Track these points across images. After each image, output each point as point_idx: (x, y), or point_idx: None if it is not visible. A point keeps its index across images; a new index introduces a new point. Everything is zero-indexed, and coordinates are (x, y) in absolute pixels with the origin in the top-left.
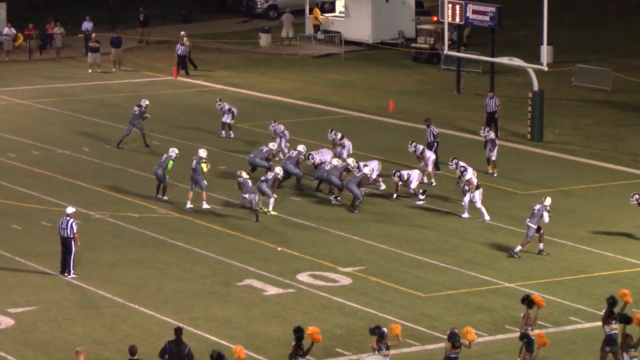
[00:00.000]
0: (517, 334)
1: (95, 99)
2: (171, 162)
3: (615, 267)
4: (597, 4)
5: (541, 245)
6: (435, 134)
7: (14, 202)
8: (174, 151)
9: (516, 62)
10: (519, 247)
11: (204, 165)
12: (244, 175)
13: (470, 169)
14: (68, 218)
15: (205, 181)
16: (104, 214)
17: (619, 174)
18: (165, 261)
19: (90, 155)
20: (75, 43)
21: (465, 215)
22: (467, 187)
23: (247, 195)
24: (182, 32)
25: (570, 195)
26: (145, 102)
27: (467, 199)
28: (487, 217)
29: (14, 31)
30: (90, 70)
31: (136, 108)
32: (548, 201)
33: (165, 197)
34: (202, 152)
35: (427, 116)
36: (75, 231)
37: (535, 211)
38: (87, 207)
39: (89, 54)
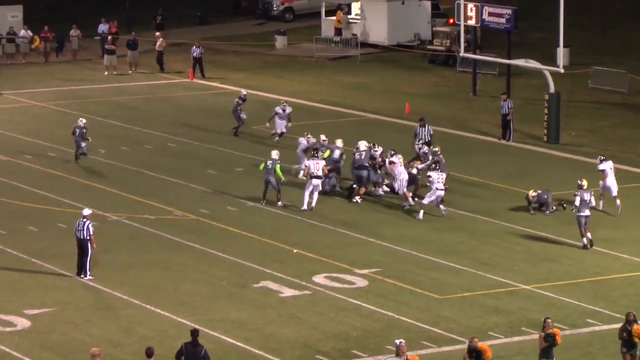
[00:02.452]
0: (534, 337)
1: (111, 101)
2: (278, 166)
3: (632, 269)
4: (613, 5)
5: (589, 235)
6: (431, 133)
7: (30, 204)
8: (277, 154)
9: (532, 64)
10: (589, 234)
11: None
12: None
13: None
14: (84, 220)
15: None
16: (120, 216)
17: (635, 176)
18: (181, 263)
19: (107, 157)
20: (92, 45)
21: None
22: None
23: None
24: (157, 33)
25: None
26: (243, 93)
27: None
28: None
29: (30, 33)
30: (106, 73)
31: (237, 99)
32: (585, 183)
33: (280, 203)
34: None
35: (443, 118)
36: (91, 233)
37: (588, 200)
38: (103, 209)
39: (105, 56)
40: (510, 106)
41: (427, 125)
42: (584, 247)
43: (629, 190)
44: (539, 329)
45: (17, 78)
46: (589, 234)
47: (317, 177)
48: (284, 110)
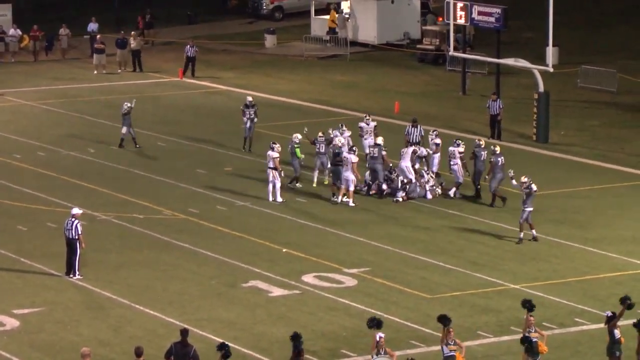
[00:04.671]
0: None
1: (100, 100)
2: (298, 149)
3: (621, 268)
4: (603, 5)
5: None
6: (422, 134)
7: (19, 203)
8: (297, 137)
9: (522, 63)
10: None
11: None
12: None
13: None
14: (73, 219)
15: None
16: (110, 215)
17: (624, 176)
18: (170, 262)
19: (96, 157)
20: (81, 44)
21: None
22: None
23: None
24: (133, 32)
25: (576, 196)
26: (249, 99)
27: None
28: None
29: (20, 32)
30: (95, 72)
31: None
32: (526, 179)
33: (290, 184)
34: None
35: (433, 117)
36: (80, 232)
37: (534, 193)
38: (93, 209)
39: (94, 55)
40: (500, 106)
41: (419, 126)
42: (520, 241)
43: (619, 189)
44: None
45: (6, 77)
46: (534, 230)
47: (269, 167)
48: (367, 124)
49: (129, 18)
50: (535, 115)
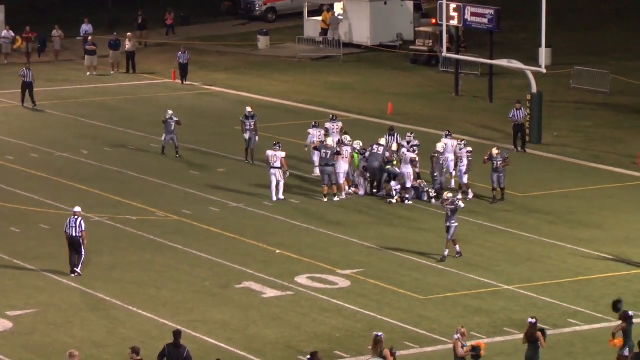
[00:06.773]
0: (516, 337)
1: (94, 101)
2: (355, 156)
3: (614, 269)
4: (596, 6)
5: (447, 252)
6: (399, 142)
7: (12, 205)
8: (358, 144)
9: (515, 64)
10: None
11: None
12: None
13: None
14: (76, 217)
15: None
16: (103, 217)
17: (617, 176)
18: (163, 264)
19: (89, 158)
20: (74, 46)
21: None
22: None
23: None
24: (129, 34)
25: (569, 197)
26: (248, 110)
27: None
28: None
29: (12, 34)
30: (88, 73)
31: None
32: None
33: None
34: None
35: (426, 118)
36: (83, 229)
37: (460, 209)
38: (86, 210)
39: (86, 56)
40: (525, 114)
41: (395, 134)
42: (458, 256)
43: (612, 190)
44: (521, 329)
45: None
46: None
47: (274, 167)
48: (332, 124)
49: (122, 19)
50: (528, 116)
